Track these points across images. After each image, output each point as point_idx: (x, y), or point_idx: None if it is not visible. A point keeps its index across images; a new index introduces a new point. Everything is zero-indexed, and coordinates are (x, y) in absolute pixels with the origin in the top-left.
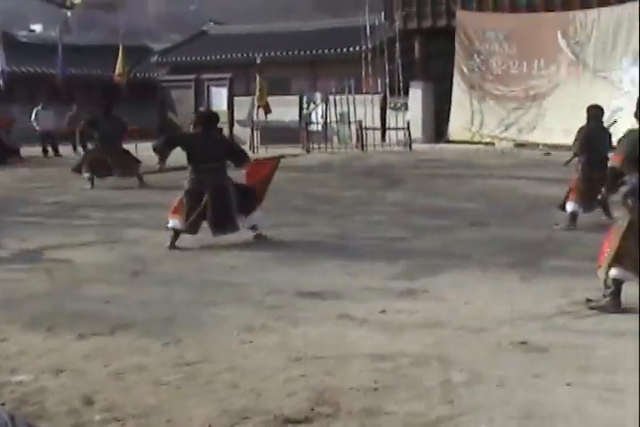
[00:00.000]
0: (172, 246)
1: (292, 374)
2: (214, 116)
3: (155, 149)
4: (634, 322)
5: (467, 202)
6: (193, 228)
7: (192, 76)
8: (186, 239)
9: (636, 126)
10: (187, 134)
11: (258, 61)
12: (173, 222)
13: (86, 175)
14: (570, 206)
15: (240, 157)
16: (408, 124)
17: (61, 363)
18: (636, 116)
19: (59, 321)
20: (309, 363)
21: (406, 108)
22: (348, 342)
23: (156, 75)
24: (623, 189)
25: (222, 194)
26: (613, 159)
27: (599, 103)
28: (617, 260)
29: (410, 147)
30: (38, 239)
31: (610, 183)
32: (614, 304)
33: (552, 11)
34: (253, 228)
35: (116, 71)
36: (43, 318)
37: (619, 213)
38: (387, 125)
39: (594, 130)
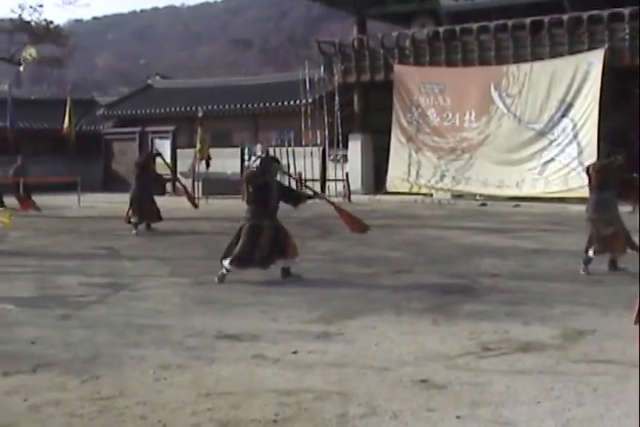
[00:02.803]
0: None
1: (199, 407)
2: (273, 159)
3: None
4: (531, 361)
5: (395, 251)
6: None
7: (136, 129)
8: (115, 286)
9: None
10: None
11: (200, 114)
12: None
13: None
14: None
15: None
16: (347, 175)
17: None
18: None
19: None
20: (217, 398)
21: (346, 160)
22: (257, 379)
23: (101, 127)
24: None
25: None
26: None
27: (530, 154)
28: None
29: (349, 198)
30: None
31: None
32: None
33: (486, 65)
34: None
35: (64, 125)
36: None
37: None
38: (326, 177)
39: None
